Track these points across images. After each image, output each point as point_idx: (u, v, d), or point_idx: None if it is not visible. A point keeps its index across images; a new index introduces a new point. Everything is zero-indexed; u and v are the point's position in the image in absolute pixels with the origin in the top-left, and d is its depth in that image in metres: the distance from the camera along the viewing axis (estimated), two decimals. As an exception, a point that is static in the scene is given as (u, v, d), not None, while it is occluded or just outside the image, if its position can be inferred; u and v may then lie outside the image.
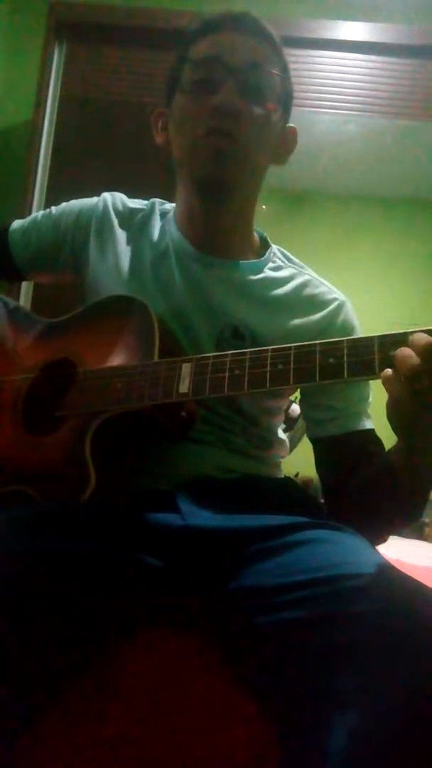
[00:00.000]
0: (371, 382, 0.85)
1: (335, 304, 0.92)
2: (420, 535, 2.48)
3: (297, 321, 0.89)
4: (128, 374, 0.75)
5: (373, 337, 0.62)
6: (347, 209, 3.06)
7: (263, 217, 1.02)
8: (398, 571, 0.62)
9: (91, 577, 0.65)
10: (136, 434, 0.80)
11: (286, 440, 0.99)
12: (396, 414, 0.62)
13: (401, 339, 0.60)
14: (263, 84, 0.86)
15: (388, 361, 0.60)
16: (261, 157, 0.89)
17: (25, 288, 2.15)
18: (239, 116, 0.83)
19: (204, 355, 0.74)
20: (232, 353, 0.71)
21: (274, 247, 0.98)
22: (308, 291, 0.93)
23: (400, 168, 2.84)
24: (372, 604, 0.55)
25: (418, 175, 2.87)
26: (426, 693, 0.48)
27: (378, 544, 0.79)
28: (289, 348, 0.67)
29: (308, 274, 0.96)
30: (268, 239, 1.00)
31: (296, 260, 0.99)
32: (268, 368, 0.67)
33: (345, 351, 0.63)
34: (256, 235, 0.99)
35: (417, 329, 0.60)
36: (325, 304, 0.92)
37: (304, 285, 0.93)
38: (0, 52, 2.30)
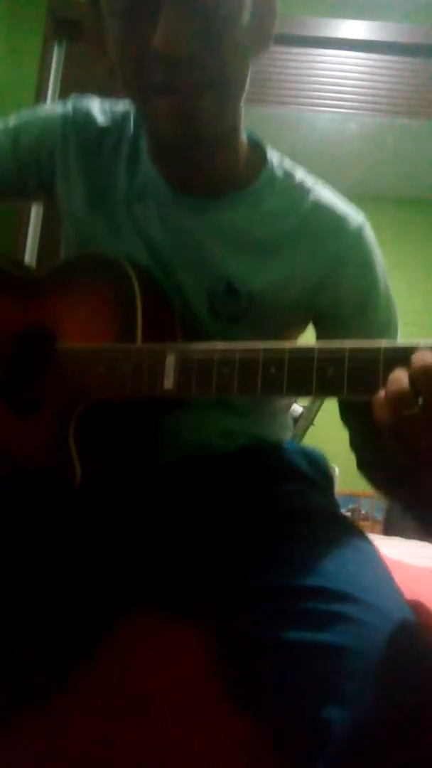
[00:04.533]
0: (391, 304, 0.78)
1: (348, 233, 0.75)
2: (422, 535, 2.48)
3: (301, 262, 0.75)
4: (110, 358, 0.67)
5: (377, 347, 0.53)
6: (348, 208, 3.06)
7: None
8: (392, 587, 0.61)
9: (85, 561, 0.65)
10: (123, 416, 0.73)
11: (290, 421, 0.93)
12: (395, 448, 0.52)
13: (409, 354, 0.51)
14: None
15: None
16: (238, 74, 0.65)
17: (31, 242, 2.15)
18: (193, 58, 0.59)
19: (188, 346, 0.64)
20: (220, 346, 0.62)
21: (273, 161, 0.77)
22: (314, 221, 0.75)
23: (400, 167, 2.83)
24: (361, 634, 0.54)
25: (418, 173, 2.87)
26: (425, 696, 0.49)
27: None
28: (283, 347, 0.58)
29: (315, 196, 0.76)
30: (265, 147, 0.78)
31: (300, 174, 0.78)
32: (260, 371, 0.59)
33: (345, 362, 0.54)
34: (247, 145, 0.76)
35: (423, 345, 0.50)
36: (334, 234, 0.74)
37: (309, 214, 0.75)
38: (-1, 51, 2.30)
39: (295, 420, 2.03)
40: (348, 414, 0.78)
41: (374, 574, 0.62)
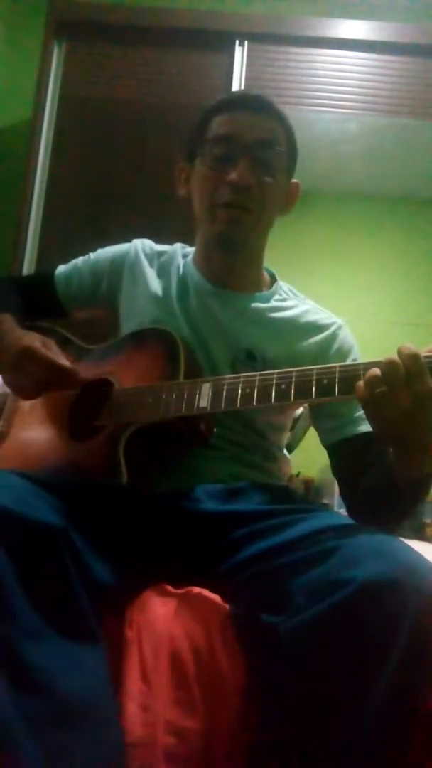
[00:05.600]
0: None
1: (333, 327, 1.09)
2: (420, 535, 2.48)
3: (301, 343, 1.05)
4: (157, 391, 0.89)
5: (360, 363, 0.77)
6: (348, 208, 3.05)
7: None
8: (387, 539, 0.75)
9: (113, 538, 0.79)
10: (162, 442, 0.93)
11: (290, 459, 1.15)
12: (373, 421, 0.77)
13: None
14: (272, 159, 1.03)
15: None
16: (270, 217, 1.07)
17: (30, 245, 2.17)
18: (252, 190, 1.00)
19: (221, 377, 0.88)
20: (244, 375, 0.84)
21: (281, 282, 1.16)
22: (310, 317, 1.09)
23: (400, 167, 2.82)
24: (354, 535, 0.71)
25: (418, 173, 2.86)
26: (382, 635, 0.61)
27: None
28: (291, 371, 0.81)
29: (309, 304, 1.13)
30: (276, 275, 1.16)
31: (299, 293, 1.16)
32: (274, 387, 0.80)
33: (336, 374, 0.77)
34: (265, 273, 1.16)
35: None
36: (324, 327, 1.08)
37: (306, 312, 1.10)
38: (-1, 51, 2.30)
39: (295, 420, 2.03)
40: (338, 466, 1.03)
41: (347, 520, 0.84)
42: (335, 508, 2.37)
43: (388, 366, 0.73)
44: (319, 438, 1.06)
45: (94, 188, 2.21)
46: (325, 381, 0.77)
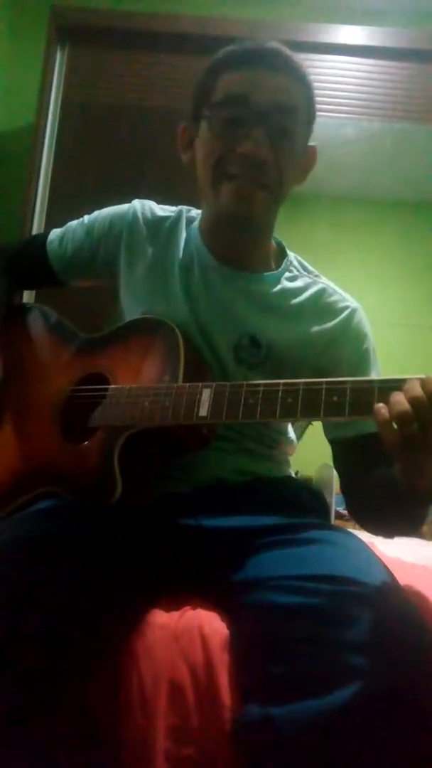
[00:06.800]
0: (377, 361, 0.98)
1: (348, 311, 0.98)
2: (418, 533, 2.49)
3: (312, 328, 0.96)
4: (155, 394, 0.82)
5: (374, 380, 0.69)
6: (345, 212, 3.07)
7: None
8: (392, 578, 0.72)
9: (111, 563, 0.76)
10: (160, 448, 0.87)
11: (294, 439, 1.07)
12: (389, 451, 0.68)
13: (399, 385, 0.67)
14: (291, 126, 0.88)
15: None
16: (284, 190, 0.93)
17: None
18: (266, 164, 0.87)
19: (222, 383, 0.80)
20: (247, 384, 0.77)
21: (291, 256, 1.04)
22: (322, 300, 0.98)
23: (398, 171, 2.85)
24: (366, 607, 0.65)
25: (416, 178, 2.89)
26: (401, 687, 0.59)
27: (384, 537, 0.90)
28: (299, 383, 0.73)
29: (323, 283, 1.01)
30: (285, 247, 1.05)
31: (311, 268, 1.04)
32: (279, 401, 0.74)
33: (348, 391, 0.69)
34: (274, 243, 1.03)
35: (413, 377, 0.66)
36: (338, 311, 0.97)
37: (318, 294, 0.98)
38: (2, 56, 2.32)
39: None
40: (341, 461, 0.95)
41: (361, 559, 0.76)
42: (333, 507, 2.40)
43: (418, 401, 0.63)
44: (324, 430, 0.97)
45: (96, 192, 2.23)
46: (335, 398, 0.70)
